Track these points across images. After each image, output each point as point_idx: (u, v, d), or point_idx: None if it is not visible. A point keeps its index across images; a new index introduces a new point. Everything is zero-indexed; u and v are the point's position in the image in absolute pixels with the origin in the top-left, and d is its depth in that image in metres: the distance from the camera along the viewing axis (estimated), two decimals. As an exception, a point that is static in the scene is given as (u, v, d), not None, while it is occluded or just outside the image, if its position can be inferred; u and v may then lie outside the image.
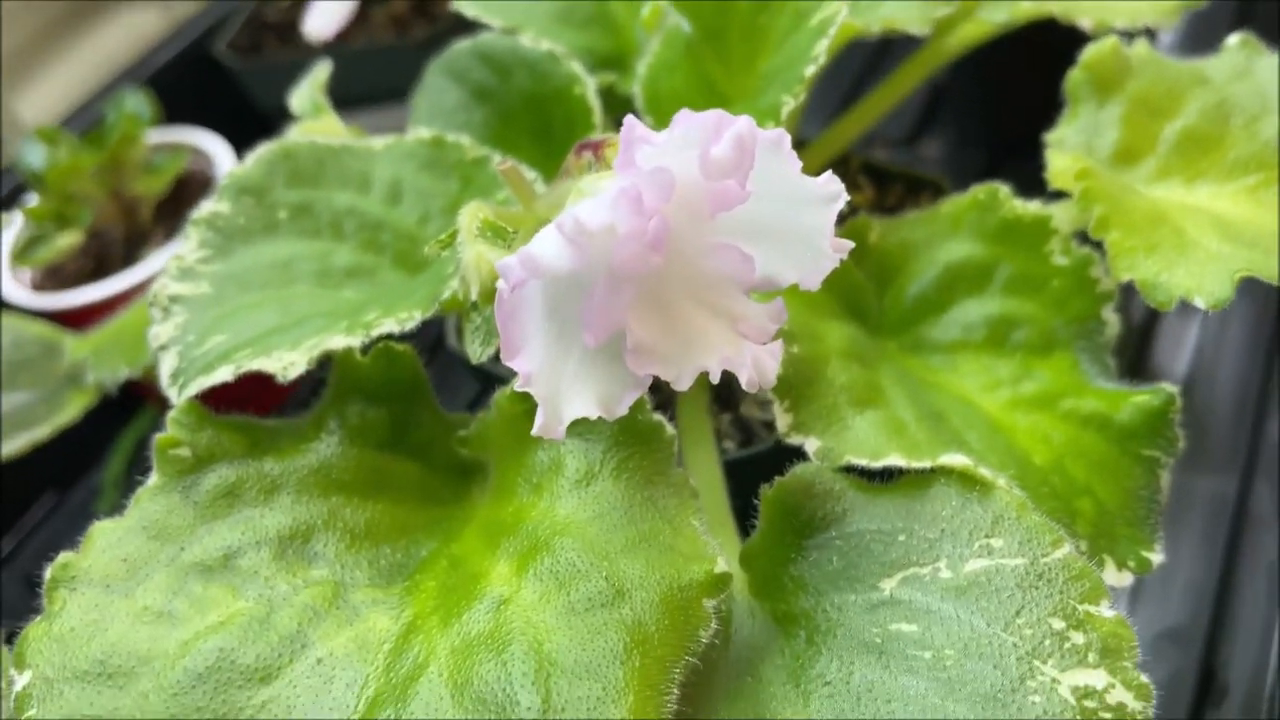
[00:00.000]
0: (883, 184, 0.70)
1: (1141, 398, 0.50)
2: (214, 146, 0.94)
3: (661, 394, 0.60)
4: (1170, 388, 0.50)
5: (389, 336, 0.48)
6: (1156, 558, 0.48)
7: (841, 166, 0.71)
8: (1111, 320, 0.54)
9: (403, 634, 0.43)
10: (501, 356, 0.41)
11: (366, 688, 0.41)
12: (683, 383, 0.41)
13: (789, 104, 0.50)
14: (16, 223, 0.91)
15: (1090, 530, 0.48)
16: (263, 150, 0.57)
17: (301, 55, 1.00)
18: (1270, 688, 0.65)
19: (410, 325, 0.47)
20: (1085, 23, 0.65)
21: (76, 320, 0.84)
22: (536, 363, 0.41)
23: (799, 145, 0.70)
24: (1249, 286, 0.83)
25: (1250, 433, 0.76)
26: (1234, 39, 0.61)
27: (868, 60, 1.10)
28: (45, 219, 0.87)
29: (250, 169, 0.56)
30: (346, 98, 0.89)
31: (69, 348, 0.76)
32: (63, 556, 0.45)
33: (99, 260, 0.90)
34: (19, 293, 0.86)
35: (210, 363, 0.48)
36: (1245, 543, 0.72)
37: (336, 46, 0.99)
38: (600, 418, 0.41)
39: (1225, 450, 0.76)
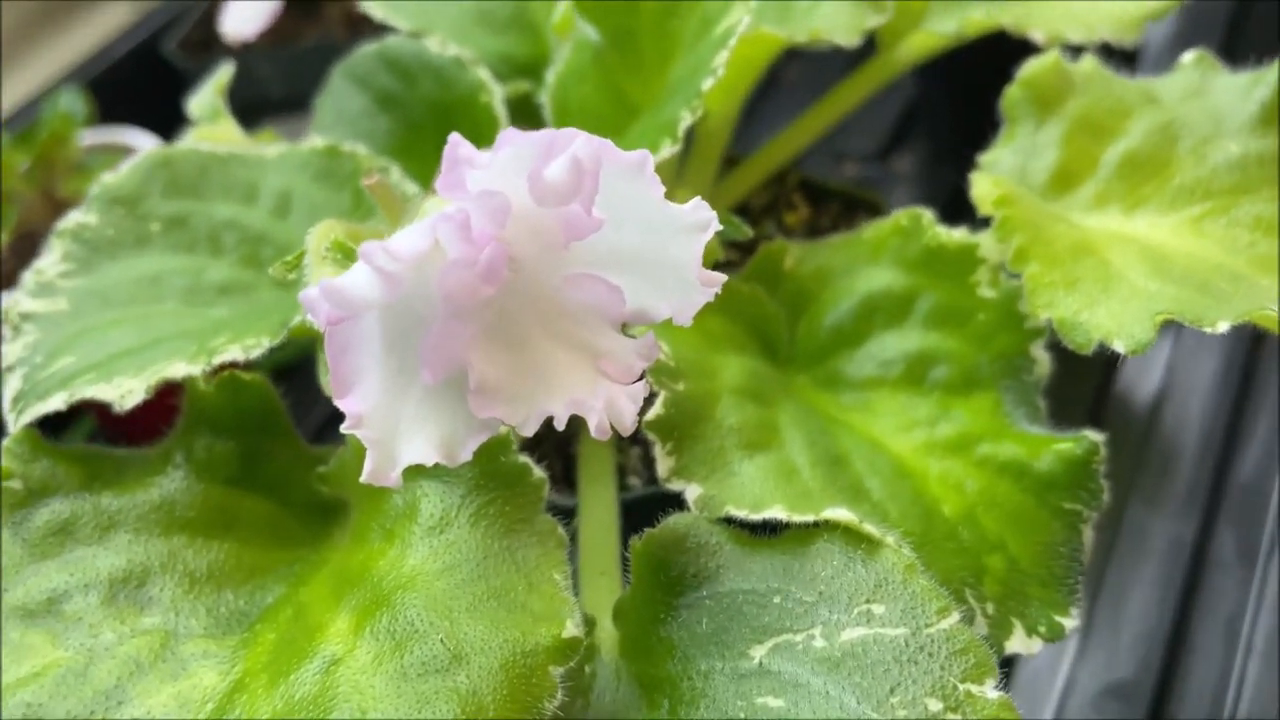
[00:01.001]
0: (819, 202, 0.66)
1: (1064, 445, 0.46)
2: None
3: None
4: (1094, 435, 0.46)
5: (234, 365, 0.44)
6: (1070, 623, 0.44)
7: (778, 183, 0.67)
8: (1041, 359, 0.50)
9: (228, 693, 0.40)
10: (333, 394, 0.37)
11: (179, 754, 0.38)
12: (528, 428, 0.37)
13: (686, 119, 0.46)
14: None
15: (999, 590, 0.44)
16: (139, 157, 0.54)
17: (253, 55, 0.97)
18: (1222, 750, 0.61)
19: (257, 353, 0.43)
20: (1038, 35, 0.61)
21: None
22: (369, 403, 0.37)
23: (732, 161, 0.67)
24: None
25: (1213, 472, 0.72)
26: (1189, 55, 0.57)
27: (845, 69, 1.06)
28: (-31, 220, 0.84)
29: (124, 177, 0.53)
30: (296, 98, 0.86)
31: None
32: None
33: (22, 261, 0.87)
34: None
35: (50, 388, 0.45)
36: (1203, 590, 0.67)
37: (287, 45, 0.96)
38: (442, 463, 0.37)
39: (1187, 490, 0.72)
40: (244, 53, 0.98)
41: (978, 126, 0.64)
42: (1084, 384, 0.78)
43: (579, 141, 0.34)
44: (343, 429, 0.37)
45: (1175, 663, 0.65)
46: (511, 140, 0.34)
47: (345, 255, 0.41)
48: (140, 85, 1.02)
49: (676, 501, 0.45)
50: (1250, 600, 0.66)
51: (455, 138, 0.34)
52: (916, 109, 1.02)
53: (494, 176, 0.34)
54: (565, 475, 0.55)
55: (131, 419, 0.46)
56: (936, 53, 0.67)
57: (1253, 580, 0.67)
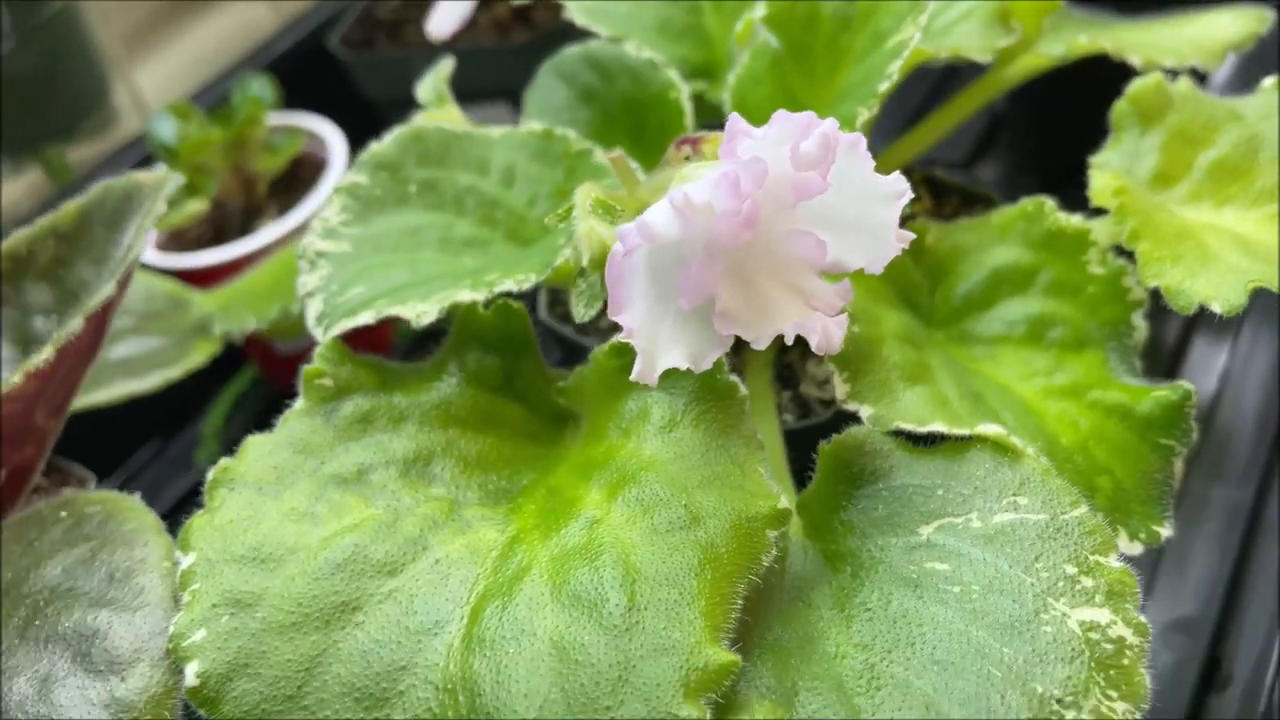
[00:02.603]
0: (940, 196, 0.76)
1: (1161, 393, 0.57)
2: (327, 131, 1.03)
3: (732, 365, 0.67)
4: (1188, 385, 0.57)
5: (507, 294, 0.55)
6: (1165, 532, 0.55)
7: (905, 176, 0.78)
8: (1140, 326, 0.61)
9: (508, 544, 0.51)
10: (609, 312, 0.48)
11: (477, 585, 0.49)
12: (761, 343, 0.48)
13: (863, 115, 0.57)
14: (145, 190, 1.00)
15: (1107, 505, 0.55)
16: (398, 131, 0.65)
17: (409, 52, 1.09)
18: (1271, 680, 0.71)
19: (526, 286, 0.55)
20: (1135, 60, 0.72)
21: (195, 280, 0.92)
22: (639, 319, 0.48)
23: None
24: (1276, 315, 0.89)
25: (1270, 449, 0.82)
26: (1269, 81, 0.67)
27: (933, 85, 1.17)
28: (175, 187, 0.96)
29: (387, 147, 0.64)
30: (457, 94, 0.98)
31: (196, 302, 0.85)
32: (223, 461, 0.53)
33: (218, 228, 0.99)
34: (147, 252, 0.95)
35: (353, 308, 0.56)
36: (1257, 547, 0.77)
37: (444, 47, 1.07)
38: (688, 370, 0.48)
39: (1245, 462, 0.82)
40: (402, 52, 1.10)
41: (1054, 143, 0.74)
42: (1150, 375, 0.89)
43: (827, 123, 0.45)
44: (618, 338, 0.48)
45: (1232, 606, 0.75)
46: (780, 120, 0.45)
47: (605, 210, 0.53)
48: (307, 74, 1.14)
49: (823, 432, 0.56)
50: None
51: (734, 116, 0.46)
52: (1000, 124, 1.13)
53: (760, 145, 0.45)
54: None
55: (286, 371, 0.57)
56: (1041, 72, 0.78)
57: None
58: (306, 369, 0.55)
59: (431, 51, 1.11)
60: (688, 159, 0.54)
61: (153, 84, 1.40)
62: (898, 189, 0.48)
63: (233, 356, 0.95)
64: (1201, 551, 0.77)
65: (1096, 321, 0.61)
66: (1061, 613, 0.46)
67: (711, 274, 0.47)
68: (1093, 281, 0.61)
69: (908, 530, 0.50)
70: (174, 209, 0.94)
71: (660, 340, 0.48)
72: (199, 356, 0.79)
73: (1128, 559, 0.49)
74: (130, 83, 1.32)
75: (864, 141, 0.47)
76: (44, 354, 0.55)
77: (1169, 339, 0.92)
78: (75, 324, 0.55)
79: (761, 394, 0.63)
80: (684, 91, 0.68)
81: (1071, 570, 0.47)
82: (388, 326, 0.91)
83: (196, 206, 0.94)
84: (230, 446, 1.05)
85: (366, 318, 0.55)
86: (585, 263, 0.52)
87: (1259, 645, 0.73)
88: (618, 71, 0.70)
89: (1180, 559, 0.77)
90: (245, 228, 0.98)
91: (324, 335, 0.56)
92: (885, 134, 1.06)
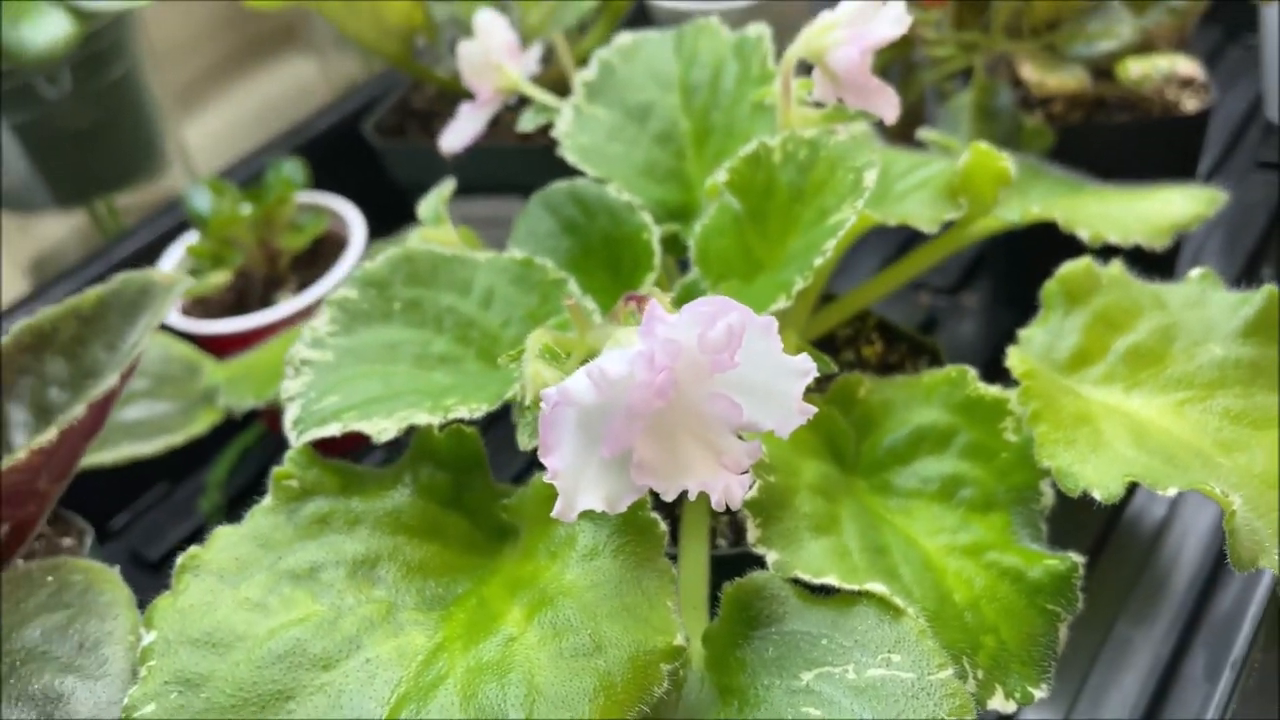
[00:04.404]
0: (892, 341, 0.82)
1: (1052, 561, 0.62)
2: (350, 214, 1.10)
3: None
4: (1076, 557, 0.61)
5: (460, 420, 0.62)
6: (1040, 693, 0.59)
7: (861, 320, 0.84)
8: (1047, 493, 0.66)
9: (433, 651, 0.57)
10: (539, 454, 0.54)
11: (399, 686, 0.55)
12: (669, 495, 0.54)
13: (799, 284, 0.63)
14: (174, 254, 1.09)
15: (989, 662, 0.60)
16: (390, 252, 0.72)
17: (437, 143, 1.17)
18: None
19: (478, 414, 0.61)
20: (1083, 234, 0.78)
21: (214, 345, 1.00)
22: (564, 463, 0.54)
23: (828, 298, 0.84)
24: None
25: (1196, 601, 0.86)
26: (1196, 271, 0.72)
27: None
28: (204, 257, 1.04)
29: (379, 266, 0.71)
30: (469, 186, 1.05)
31: (207, 371, 0.92)
32: (192, 549, 0.60)
33: (239, 297, 1.07)
34: (171, 315, 1.03)
35: (324, 418, 0.63)
36: (1171, 700, 0.81)
37: (468, 148, 1.15)
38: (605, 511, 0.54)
39: (1172, 613, 0.86)
40: (430, 143, 1.18)
41: (1033, 277, 0.79)
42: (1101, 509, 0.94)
43: (734, 314, 0.51)
44: (544, 479, 0.54)
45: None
46: (691, 308, 0.51)
47: (551, 355, 0.59)
48: (339, 158, 1.22)
49: (752, 563, 0.61)
50: (1210, 712, 0.80)
51: (653, 303, 0.52)
52: (984, 258, 1.18)
53: (674, 328, 0.52)
54: (671, 532, 0.71)
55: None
56: (1001, 231, 0.84)
57: (1214, 697, 0.81)
58: (276, 470, 0.62)
59: (461, 154, 1.19)
60: (633, 315, 0.61)
61: (202, 138, 1.50)
62: (804, 368, 0.54)
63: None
64: (1116, 699, 0.81)
65: (1005, 486, 0.66)
66: (913, 769, 0.51)
67: (630, 431, 0.53)
68: (1006, 448, 0.66)
69: (791, 674, 0.56)
70: (200, 279, 1.02)
71: (581, 484, 0.54)
72: (201, 425, 0.86)
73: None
74: (179, 136, 1.41)
75: (775, 325, 0.53)
76: (48, 434, 0.62)
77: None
78: (79, 410, 0.62)
79: (697, 520, 0.69)
80: (655, 234, 0.74)
81: (928, 730, 0.52)
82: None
83: (220, 278, 1.02)
84: (231, 498, 1.12)
85: (334, 429, 0.62)
86: (527, 401, 0.58)
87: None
88: (599, 209, 0.76)
89: (1095, 704, 0.81)
90: (266, 298, 1.06)
91: (296, 441, 0.63)
92: (867, 264, 1.12)
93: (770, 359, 0.54)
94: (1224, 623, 0.85)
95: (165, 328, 1.02)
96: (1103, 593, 0.87)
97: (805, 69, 0.71)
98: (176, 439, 0.85)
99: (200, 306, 1.06)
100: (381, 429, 0.61)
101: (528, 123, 0.87)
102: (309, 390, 0.66)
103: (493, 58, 0.87)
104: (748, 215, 0.70)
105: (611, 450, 0.53)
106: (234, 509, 1.02)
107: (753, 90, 0.79)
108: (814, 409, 0.55)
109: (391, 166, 1.20)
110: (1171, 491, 0.57)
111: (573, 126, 0.82)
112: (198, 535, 0.59)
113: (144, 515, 1.08)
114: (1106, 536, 0.91)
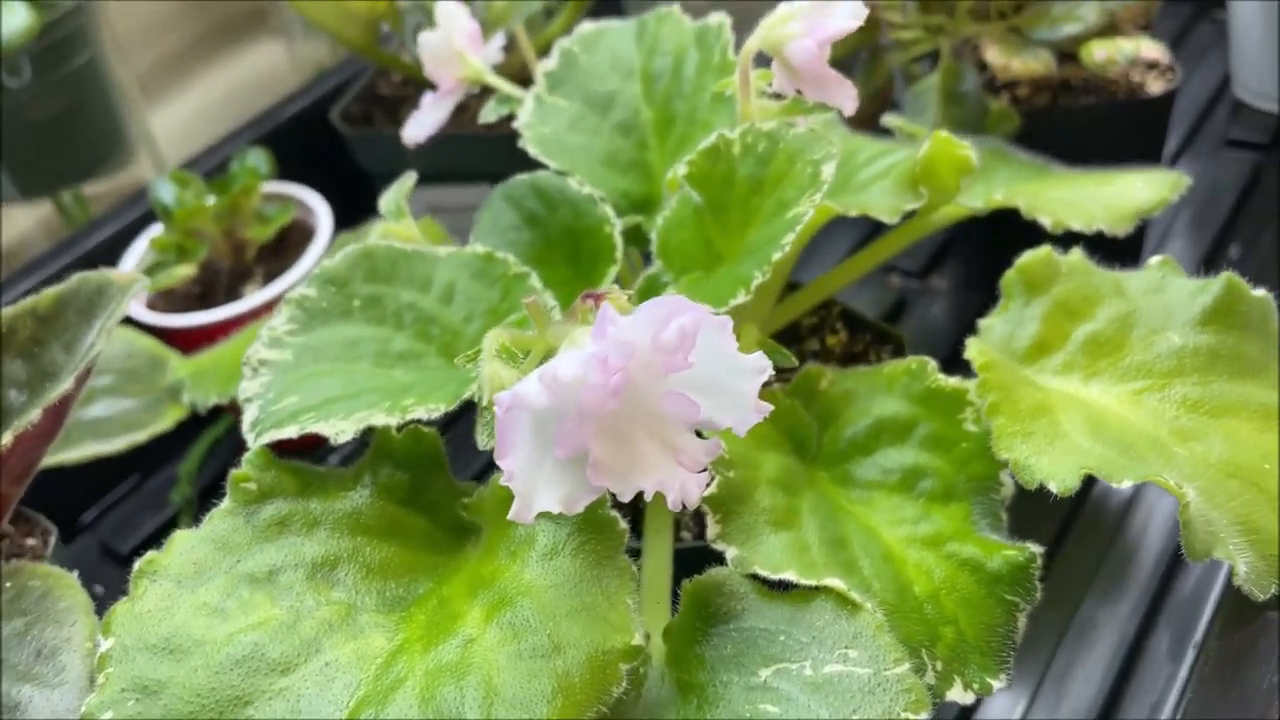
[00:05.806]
0: (856, 330, 0.82)
1: (1011, 552, 0.62)
2: (316, 204, 1.09)
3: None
4: (1034, 548, 0.62)
5: (419, 420, 0.61)
6: (998, 684, 0.60)
7: (825, 309, 0.84)
8: (1006, 483, 0.66)
9: (392, 653, 0.57)
10: (495, 455, 0.54)
11: (358, 690, 0.55)
12: (625, 496, 0.54)
13: (758, 279, 0.63)
14: (141, 246, 1.08)
15: (947, 654, 0.60)
16: (349, 249, 0.71)
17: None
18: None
19: (436, 414, 0.61)
20: (1045, 220, 0.77)
21: (179, 338, 0.99)
22: (519, 465, 0.54)
23: (792, 287, 0.84)
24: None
25: (1160, 582, 0.87)
26: (1155, 259, 0.72)
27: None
28: (168, 249, 1.03)
29: (338, 263, 0.71)
30: (434, 174, 1.05)
31: (172, 366, 0.91)
32: (149, 554, 0.60)
33: (205, 289, 1.06)
34: (134, 308, 1.02)
35: (282, 420, 0.63)
36: (1136, 678, 0.82)
37: (438, 131, 1.14)
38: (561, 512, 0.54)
39: (1137, 594, 0.87)
40: (397, 130, 1.17)
41: (1003, 260, 0.79)
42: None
43: (687, 315, 0.51)
44: (500, 481, 0.54)
45: (1104, 729, 0.79)
46: (644, 308, 0.51)
47: (509, 355, 0.59)
48: (306, 146, 1.21)
49: (716, 556, 0.61)
50: (1173, 693, 0.81)
51: (605, 305, 0.51)
52: (956, 240, 1.18)
53: (627, 330, 0.51)
54: (635, 527, 0.71)
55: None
56: (965, 219, 0.84)
57: (1177, 677, 0.81)
58: (234, 473, 0.62)
59: (427, 140, 1.18)
60: (590, 312, 0.60)
61: (169, 125, 1.48)
62: (759, 366, 0.54)
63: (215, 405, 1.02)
64: (1080, 678, 0.82)
65: (965, 476, 0.66)
66: (869, 763, 0.51)
67: (584, 432, 0.53)
68: (966, 439, 0.66)
69: (749, 671, 0.56)
70: (164, 272, 1.01)
71: (537, 485, 0.54)
72: (166, 422, 0.86)
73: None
74: (146, 124, 1.40)
75: (730, 323, 0.53)
76: (3, 439, 0.61)
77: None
78: (34, 414, 0.62)
79: (660, 513, 0.69)
80: (617, 227, 0.74)
81: (878, 724, 0.52)
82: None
83: (185, 271, 1.01)
84: (203, 489, 1.11)
85: (291, 431, 0.61)
86: (484, 401, 0.58)
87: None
88: (560, 201, 0.76)
89: (1059, 683, 0.82)
90: (232, 290, 1.05)
91: (253, 443, 0.63)
92: (837, 249, 1.12)
93: (725, 358, 0.54)
94: (1187, 604, 0.86)
95: (130, 321, 1.01)
96: (1069, 575, 0.88)
97: (765, 60, 0.71)
98: (140, 437, 0.84)
99: (166, 299, 1.05)
100: (339, 431, 0.61)
101: (490, 113, 0.86)
102: (267, 391, 0.65)
103: (455, 47, 0.87)
104: (708, 208, 0.69)
105: (566, 452, 0.53)
106: (205, 500, 1.02)
107: (714, 79, 0.79)
108: (770, 406, 0.55)
109: (359, 154, 1.19)
110: (1127, 484, 0.58)
111: (534, 117, 0.81)
112: (169, 528, 0.59)
113: (115, 508, 1.07)
114: (1072, 520, 0.92)
